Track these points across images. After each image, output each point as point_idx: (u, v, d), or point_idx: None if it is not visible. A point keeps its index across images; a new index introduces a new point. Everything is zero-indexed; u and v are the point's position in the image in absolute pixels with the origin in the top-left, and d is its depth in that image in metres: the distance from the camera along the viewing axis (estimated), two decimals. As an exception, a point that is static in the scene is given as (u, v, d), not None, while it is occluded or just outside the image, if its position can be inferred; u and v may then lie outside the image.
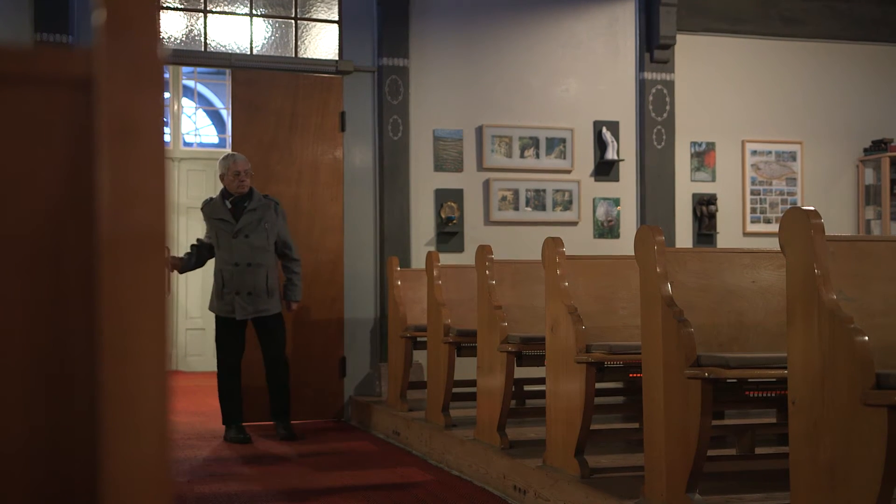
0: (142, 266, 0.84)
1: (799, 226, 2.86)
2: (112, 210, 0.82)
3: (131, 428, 0.84)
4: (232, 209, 5.84)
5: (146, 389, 0.84)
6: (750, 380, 3.36)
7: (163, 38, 6.76)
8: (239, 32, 6.92)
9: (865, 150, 8.05)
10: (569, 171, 7.48)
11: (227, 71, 6.83)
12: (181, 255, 6.00)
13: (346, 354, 6.95)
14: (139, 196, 0.83)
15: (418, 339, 6.21)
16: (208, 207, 5.92)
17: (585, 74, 7.54)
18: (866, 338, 2.60)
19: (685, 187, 7.73)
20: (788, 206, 7.60)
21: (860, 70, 8.15)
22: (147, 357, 0.85)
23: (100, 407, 0.85)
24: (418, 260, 6.98)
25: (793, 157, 7.97)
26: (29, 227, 0.90)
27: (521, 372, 4.93)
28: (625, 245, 7.25)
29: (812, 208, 2.90)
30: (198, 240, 6.06)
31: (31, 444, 0.90)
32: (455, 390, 5.53)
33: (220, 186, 6.02)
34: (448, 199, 7.20)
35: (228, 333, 5.88)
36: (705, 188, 7.80)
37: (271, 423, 6.25)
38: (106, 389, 0.84)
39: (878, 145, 7.96)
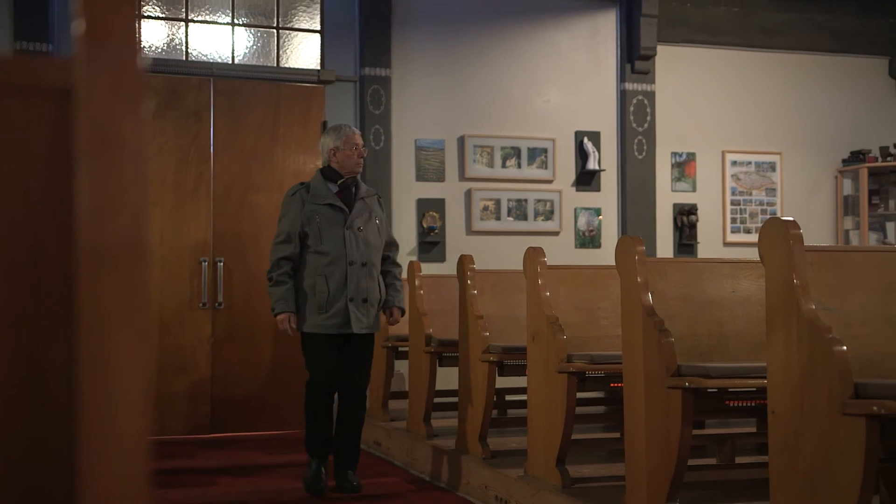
0: (121, 276, 0.84)
1: (778, 236, 2.88)
2: (91, 220, 0.82)
3: (109, 438, 0.83)
4: (340, 194, 4.59)
5: (124, 399, 0.84)
6: (730, 389, 3.37)
7: (143, 47, 6.74)
8: (220, 42, 6.91)
9: (844, 161, 8.12)
10: (550, 181, 7.50)
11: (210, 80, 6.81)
12: (275, 288, 4.51)
13: (327, 364, 6.93)
14: (118, 206, 0.83)
15: (400, 348, 6.20)
16: (306, 192, 4.58)
17: (567, 85, 7.57)
18: (845, 347, 2.62)
19: (666, 197, 7.77)
20: (768, 217, 7.65)
21: (839, 81, 8.22)
22: (126, 367, 0.84)
23: (77, 416, 0.84)
24: (400, 269, 6.97)
25: (772, 167, 8.03)
26: (7, 237, 0.89)
27: (502, 382, 4.93)
28: (606, 255, 7.27)
29: (791, 219, 2.92)
30: (282, 259, 4.53)
31: (8, 453, 0.89)
32: (436, 400, 5.52)
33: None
34: (430, 208, 7.20)
35: (330, 356, 4.53)
36: (686, 198, 7.84)
37: (253, 433, 6.21)
38: (84, 399, 0.83)
39: (857, 156, 8.02)
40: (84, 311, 0.83)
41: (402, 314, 4.76)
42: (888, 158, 7.88)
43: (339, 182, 4.60)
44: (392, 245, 4.78)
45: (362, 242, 4.53)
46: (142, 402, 0.84)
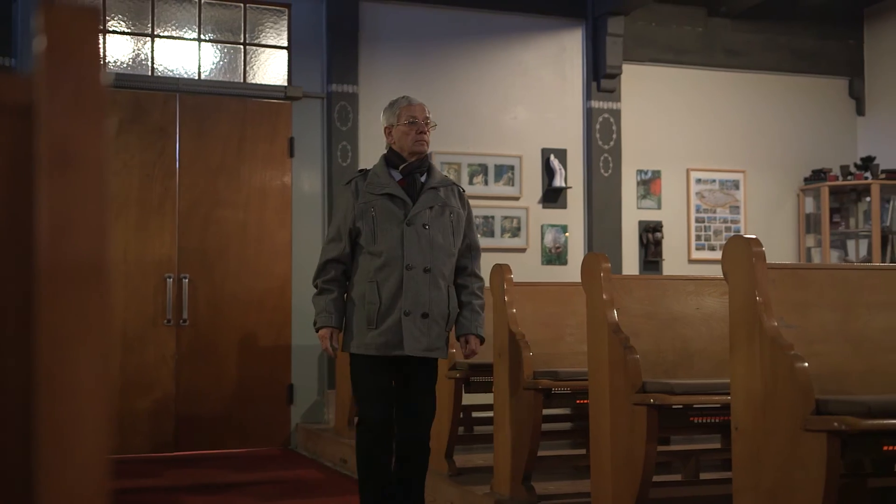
0: (81, 295, 0.83)
1: (741, 254, 2.91)
2: (50, 239, 0.81)
3: (68, 458, 0.82)
4: (403, 183, 3.67)
5: (84, 419, 0.83)
6: (695, 406, 3.40)
7: (108, 62, 6.69)
8: (187, 57, 6.88)
9: (806, 180, 8.22)
10: (517, 198, 7.53)
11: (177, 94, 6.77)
12: (319, 297, 3.63)
13: (293, 381, 6.89)
14: (79, 224, 0.82)
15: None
16: (363, 180, 3.68)
17: (534, 102, 7.62)
18: (806, 364, 2.65)
19: (631, 214, 7.83)
20: (732, 234, 7.73)
21: (800, 101, 8.34)
22: (85, 386, 0.83)
23: (36, 436, 0.83)
24: (367, 286, 6.94)
25: (736, 185, 8.12)
26: (-35, 255, 0.88)
27: (468, 398, 4.92)
28: (572, 272, 7.30)
29: (754, 236, 2.95)
30: (329, 262, 3.64)
31: (-36, 477, 0.88)
32: (403, 417, 5.50)
33: None
34: (397, 225, 7.19)
35: (382, 379, 3.58)
36: (651, 215, 7.90)
37: (218, 451, 6.15)
38: (42, 419, 0.82)
39: (818, 175, 8.14)
40: (43, 330, 0.82)
41: (482, 343, 3.70)
42: (848, 177, 8.00)
43: (401, 167, 3.67)
44: (472, 249, 3.77)
45: (426, 242, 3.56)
46: (101, 421, 0.84)
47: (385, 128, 3.77)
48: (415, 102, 3.77)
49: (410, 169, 3.65)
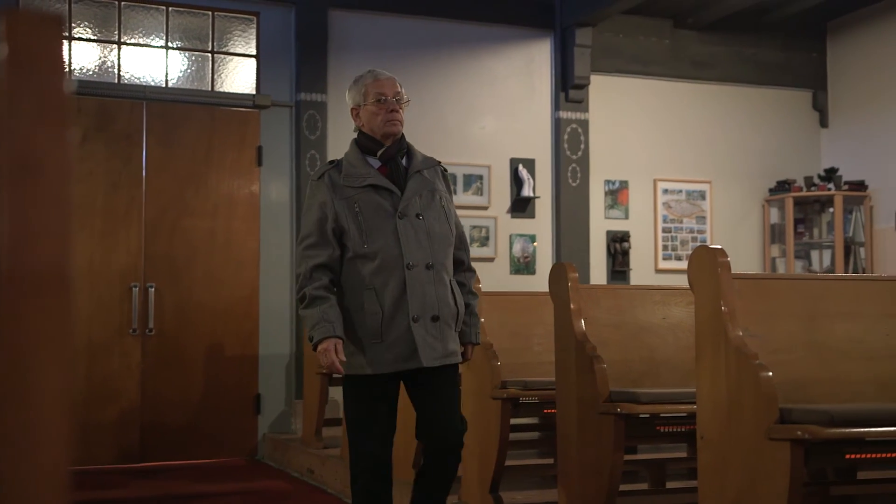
0: (43, 305, 0.82)
1: (707, 264, 2.94)
2: (12, 247, 0.80)
3: (28, 471, 0.81)
4: (384, 170, 3.21)
5: (44, 431, 0.82)
6: (661, 415, 3.42)
7: (71, 70, 6.62)
8: (154, 65, 6.83)
9: (770, 191, 8.32)
10: (485, 208, 7.55)
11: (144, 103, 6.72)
12: (311, 308, 3.05)
13: (260, 391, 6.85)
14: (41, 233, 0.81)
15: (334, 375, 6.16)
16: (337, 173, 3.20)
17: (502, 112, 7.64)
18: (770, 373, 2.68)
19: (599, 224, 7.87)
20: (698, 244, 7.79)
21: (765, 113, 8.44)
22: (46, 397, 0.83)
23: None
24: (335, 295, 6.92)
25: (702, 196, 8.19)
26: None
27: (437, 408, 4.90)
28: (541, 281, 7.32)
29: (719, 247, 2.98)
30: (316, 268, 3.09)
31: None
32: (371, 427, 5.48)
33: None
34: (365, 234, 7.18)
35: (382, 405, 3.13)
36: (619, 225, 7.95)
37: (184, 462, 6.09)
38: (2, 432, 0.81)
39: (783, 186, 8.23)
40: (4, 339, 0.81)
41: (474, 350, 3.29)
42: (812, 188, 8.11)
43: (379, 153, 3.21)
44: (464, 242, 3.31)
45: (423, 234, 3.09)
46: (64, 431, 0.83)
47: (352, 109, 3.29)
48: (382, 77, 3.28)
49: (391, 154, 3.19)
